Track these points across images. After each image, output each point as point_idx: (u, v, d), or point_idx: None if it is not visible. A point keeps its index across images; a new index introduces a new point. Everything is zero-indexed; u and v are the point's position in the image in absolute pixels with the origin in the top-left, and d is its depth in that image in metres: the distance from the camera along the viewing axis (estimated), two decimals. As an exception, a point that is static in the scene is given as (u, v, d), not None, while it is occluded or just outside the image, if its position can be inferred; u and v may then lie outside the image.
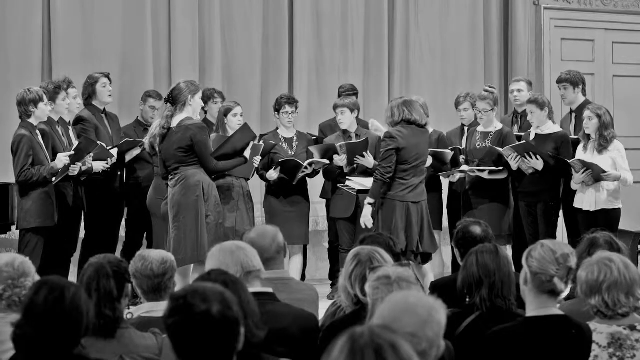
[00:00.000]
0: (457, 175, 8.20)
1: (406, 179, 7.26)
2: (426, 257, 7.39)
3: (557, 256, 3.67)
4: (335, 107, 8.40)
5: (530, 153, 7.82)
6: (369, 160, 8.05)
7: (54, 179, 7.10)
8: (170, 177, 6.97)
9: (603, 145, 7.79)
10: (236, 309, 2.71)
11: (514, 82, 8.93)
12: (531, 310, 3.70)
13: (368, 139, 8.12)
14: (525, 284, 3.71)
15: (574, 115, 8.54)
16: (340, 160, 8.12)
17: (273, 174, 8.11)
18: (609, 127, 7.81)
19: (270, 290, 3.99)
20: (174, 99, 6.93)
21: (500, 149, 7.90)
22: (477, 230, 4.95)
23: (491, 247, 4.16)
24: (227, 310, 2.69)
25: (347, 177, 8.00)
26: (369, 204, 7.25)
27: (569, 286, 3.77)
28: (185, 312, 2.68)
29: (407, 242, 7.18)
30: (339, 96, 8.87)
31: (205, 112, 8.50)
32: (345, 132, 8.38)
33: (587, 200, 7.87)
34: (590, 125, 7.82)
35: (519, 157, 7.84)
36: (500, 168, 7.96)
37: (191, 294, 2.70)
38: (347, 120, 8.32)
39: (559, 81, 8.63)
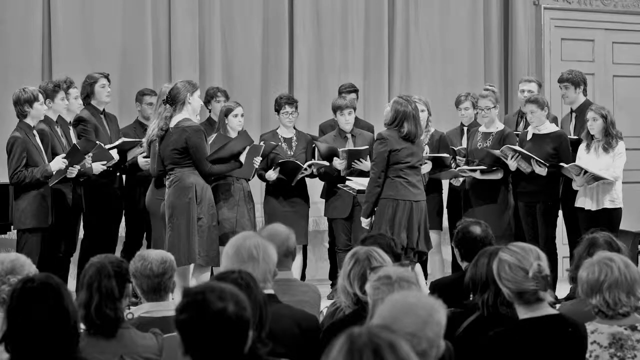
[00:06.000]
0: (461, 179, 8.20)
1: (407, 178, 7.27)
2: (420, 256, 7.40)
3: (530, 275, 3.60)
4: (339, 108, 8.34)
5: (533, 161, 7.82)
6: (366, 164, 8.08)
7: (49, 180, 7.10)
8: (166, 178, 6.99)
9: (611, 144, 7.80)
10: (249, 311, 2.72)
11: (525, 82, 8.85)
12: (524, 313, 3.68)
13: (368, 148, 8.12)
14: (511, 301, 3.69)
15: (574, 115, 8.54)
16: (340, 164, 8.13)
17: (272, 174, 8.11)
18: (615, 126, 7.84)
19: (271, 291, 3.99)
20: (173, 99, 6.93)
21: (496, 152, 7.89)
22: (477, 230, 4.94)
23: None
24: (241, 311, 2.70)
25: (347, 177, 8.01)
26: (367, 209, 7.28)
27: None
28: (201, 309, 2.68)
29: (408, 240, 7.18)
30: (340, 94, 8.86)
31: (209, 111, 8.51)
32: (341, 131, 8.38)
33: (588, 200, 7.88)
34: (595, 125, 7.83)
35: (518, 155, 7.85)
36: (494, 168, 7.96)
37: (209, 291, 2.71)
38: (352, 121, 8.34)
39: (561, 80, 8.61)
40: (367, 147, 8.14)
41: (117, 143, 7.82)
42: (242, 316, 2.70)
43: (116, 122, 8.23)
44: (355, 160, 8.11)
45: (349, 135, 8.38)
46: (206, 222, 6.90)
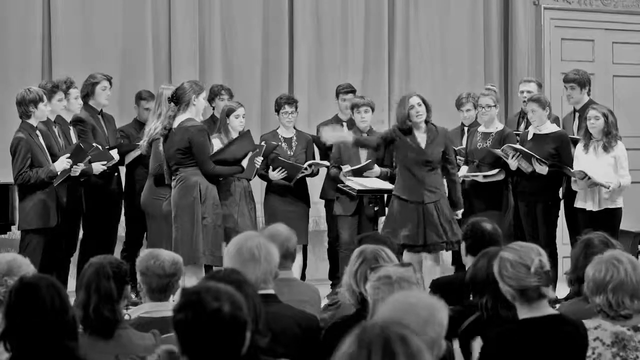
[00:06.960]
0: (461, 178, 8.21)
1: None
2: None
3: (532, 271, 3.60)
4: (356, 106, 8.30)
5: (534, 160, 7.81)
6: (375, 170, 8.06)
7: (54, 180, 7.10)
8: (172, 178, 6.98)
9: (610, 143, 7.79)
10: (245, 311, 2.71)
11: (524, 83, 8.85)
12: (524, 313, 3.67)
13: (372, 161, 8.09)
14: (514, 300, 3.67)
15: (577, 114, 8.52)
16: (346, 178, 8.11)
17: (275, 175, 8.08)
18: (616, 126, 7.83)
19: (272, 291, 3.98)
20: (178, 99, 6.91)
21: (497, 151, 7.89)
22: (487, 226, 4.91)
23: None
24: (237, 311, 2.69)
25: (347, 177, 8.00)
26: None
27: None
28: (196, 309, 2.68)
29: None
30: (337, 94, 8.85)
31: (213, 109, 8.51)
32: (357, 130, 8.30)
33: (589, 200, 7.87)
34: (597, 124, 7.81)
35: (519, 155, 7.84)
36: (495, 171, 7.95)
37: (204, 291, 2.70)
38: (369, 119, 8.31)
39: (567, 81, 8.56)
40: (370, 161, 8.09)
41: (117, 144, 7.83)
42: (238, 316, 2.69)
43: (114, 123, 8.22)
44: (364, 174, 8.08)
45: (365, 135, 8.33)
46: (211, 222, 6.86)
